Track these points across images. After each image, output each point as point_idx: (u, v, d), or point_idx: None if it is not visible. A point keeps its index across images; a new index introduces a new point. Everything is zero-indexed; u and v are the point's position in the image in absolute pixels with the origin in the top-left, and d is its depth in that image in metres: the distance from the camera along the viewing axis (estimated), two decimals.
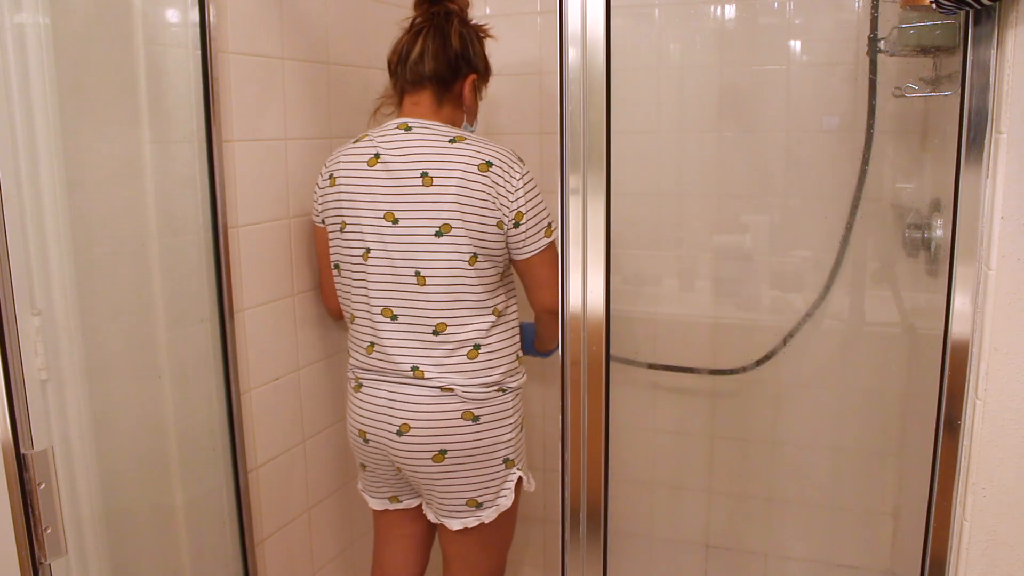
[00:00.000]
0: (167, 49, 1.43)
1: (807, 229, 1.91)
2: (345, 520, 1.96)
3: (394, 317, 1.53)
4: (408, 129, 1.52)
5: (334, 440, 1.88)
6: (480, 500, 1.56)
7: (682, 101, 1.98)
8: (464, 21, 1.58)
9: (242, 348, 1.58)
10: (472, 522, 1.57)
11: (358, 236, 1.54)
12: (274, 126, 1.64)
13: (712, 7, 1.88)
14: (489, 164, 1.46)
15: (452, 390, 1.52)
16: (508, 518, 1.62)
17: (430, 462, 1.53)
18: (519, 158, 1.51)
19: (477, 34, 1.59)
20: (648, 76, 1.97)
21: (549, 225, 1.53)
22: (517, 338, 1.60)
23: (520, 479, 1.60)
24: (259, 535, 1.65)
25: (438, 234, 1.47)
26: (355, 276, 1.56)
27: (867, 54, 1.61)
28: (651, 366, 2.03)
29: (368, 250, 1.53)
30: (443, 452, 1.53)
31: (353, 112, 1.84)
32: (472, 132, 1.60)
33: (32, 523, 1.10)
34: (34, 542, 1.11)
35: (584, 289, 1.12)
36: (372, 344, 1.57)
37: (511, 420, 1.56)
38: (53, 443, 1.24)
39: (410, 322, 1.52)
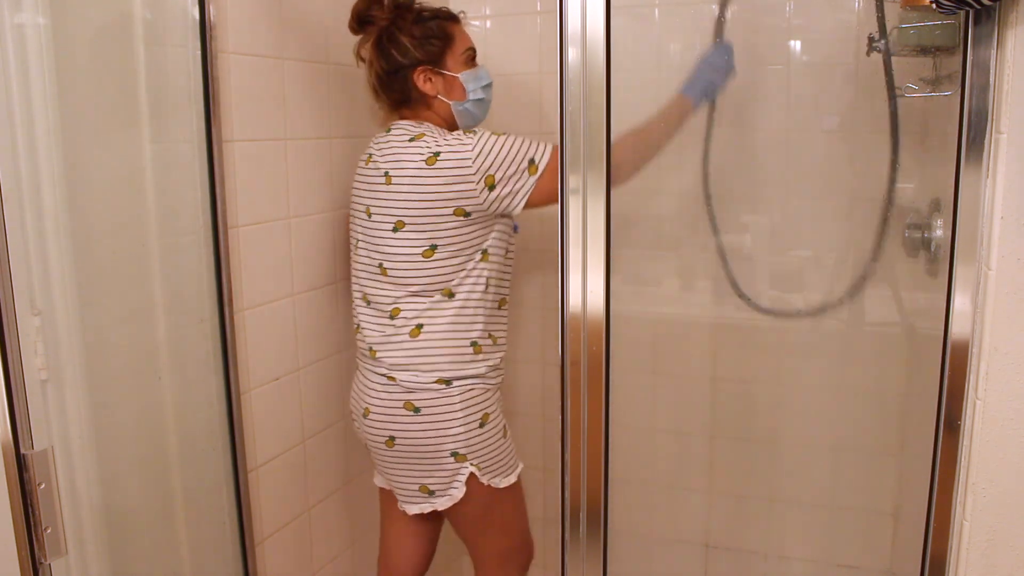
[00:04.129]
0: (167, 49, 1.43)
1: (807, 229, 1.90)
2: (345, 520, 1.96)
3: (368, 302, 1.64)
4: (388, 131, 1.61)
5: (334, 440, 1.88)
6: (432, 488, 1.59)
7: None
8: (386, 30, 1.58)
9: (242, 348, 1.58)
10: (427, 508, 1.61)
11: (353, 228, 1.66)
12: (274, 126, 1.64)
13: (712, 7, 1.87)
14: (436, 155, 1.50)
15: (394, 379, 1.57)
16: (492, 502, 1.60)
17: (384, 446, 1.60)
18: (472, 131, 1.53)
19: (406, 22, 1.57)
20: (648, 76, 1.96)
21: (531, 162, 1.50)
22: (475, 327, 1.57)
23: (474, 475, 1.55)
24: (259, 535, 1.65)
25: (395, 229, 1.55)
26: (352, 263, 1.67)
27: (867, 55, 1.61)
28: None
29: (358, 241, 1.64)
30: (392, 439, 1.59)
31: (353, 112, 1.84)
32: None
33: (32, 523, 1.10)
34: (34, 542, 1.11)
35: (584, 289, 1.12)
36: (358, 326, 1.67)
37: (458, 415, 1.55)
38: (53, 443, 1.24)
39: (376, 306, 1.62)
